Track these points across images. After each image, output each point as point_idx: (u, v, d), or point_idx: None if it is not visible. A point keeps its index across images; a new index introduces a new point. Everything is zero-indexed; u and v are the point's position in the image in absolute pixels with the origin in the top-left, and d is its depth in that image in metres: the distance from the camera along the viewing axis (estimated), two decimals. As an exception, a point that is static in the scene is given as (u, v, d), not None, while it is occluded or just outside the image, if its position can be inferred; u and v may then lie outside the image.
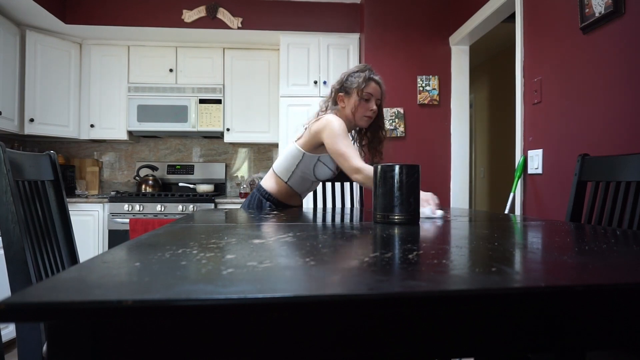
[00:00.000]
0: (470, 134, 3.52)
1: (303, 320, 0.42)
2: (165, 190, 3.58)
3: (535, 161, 2.03)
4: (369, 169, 1.44)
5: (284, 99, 3.26)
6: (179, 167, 3.68)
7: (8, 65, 2.91)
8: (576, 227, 1.01)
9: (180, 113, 3.36)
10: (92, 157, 3.71)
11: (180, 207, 3.09)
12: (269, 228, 0.96)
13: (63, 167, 3.33)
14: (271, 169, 1.77)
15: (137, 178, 3.51)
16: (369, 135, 1.77)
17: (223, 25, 3.21)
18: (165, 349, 0.41)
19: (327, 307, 0.40)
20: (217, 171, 3.70)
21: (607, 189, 1.27)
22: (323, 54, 3.29)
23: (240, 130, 3.47)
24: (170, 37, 3.36)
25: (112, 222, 3.04)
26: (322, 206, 2.20)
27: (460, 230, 0.93)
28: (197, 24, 3.20)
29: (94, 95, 3.39)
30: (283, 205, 1.73)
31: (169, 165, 3.67)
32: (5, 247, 0.92)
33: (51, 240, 1.12)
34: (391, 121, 3.05)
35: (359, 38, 3.31)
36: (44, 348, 0.89)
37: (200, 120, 3.38)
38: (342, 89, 1.67)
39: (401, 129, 3.06)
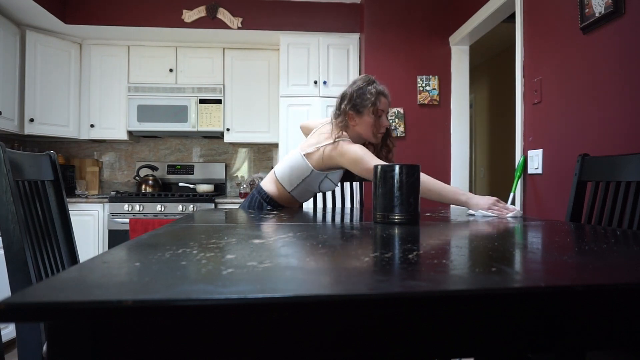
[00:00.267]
0: (470, 134, 3.52)
1: (303, 320, 0.42)
2: (165, 190, 3.58)
3: (535, 161, 2.03)
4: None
5: (284, 99, 3.26)
6: (179, 167, 3.68)
7: (8, 65, 2.91)
8: (576, 227, 1.01)
9: (180, 113, 3.36)
10: (92, 157, 3.71)
11: (180, 207, 3.09)
12: (269, 228, 0.96)
13: (63, 167, 3.33)
14: (273, 173, 1.71)
15: (137, 178, 3.51)
16: (378, 145, 1.72)
17: (223, 25, 3.21)
18: (165, 349, 0.41)
19: (327, 307, 0.40)
20: (217, 171, 3.70)
21: (607, 189, 1.27)
22: (323, 54, 3.29)
23: (240, 130, 3.47)
24: (170, 37, 3.36)
25: (112, 222, 3.04)
26: (322, 206, 2.20)
27: (460, 230, 0.93)
28: (197, 24, 3.20)
29: (94, 95, 3.39)
30: (282, 208, 1.73)
31: (169, 165, 3.67)
32: (5, 247, 0.92)
33: (51, 240, 1.12)
34: (391, 121, 3.05)
35: (359, 38, 3.31)
36: (44, 348, 0.89)
37: (200, 120, 3.38)
38: (353, 107, 1.59)
39: (401, 129, 3.06)
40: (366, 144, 1.70)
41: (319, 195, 2.77)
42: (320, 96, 3.25)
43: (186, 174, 3.67)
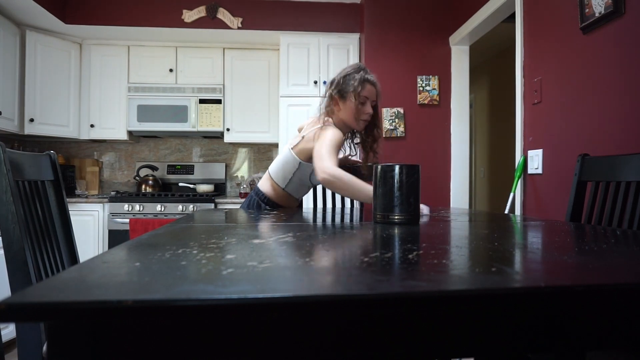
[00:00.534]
0: (470, 134, 3.53)
1: (303, 320, 0.42)
2: (165, 190, 3.58)
3: (535, 161, 2.03)
4: (340, 174, 1.41)
5: (284, 99, 3.26)
6: (179, 167, 3.68)
7: (8, 65, 2.91)
8: (576, 227, 1.01)
9: (180, 113, 3.36)
10: (92, 157, 3.71)
11: (180, 207, 3.09)
12: (269, 228, 0.96)
13: (63, 167, 3.33)
14: (267, 172, 1.73)
15: (137, 178, 3.51)
16: (363, 134, 1.73)
17: (223, 25, 3.21)
18: (165, 349, 0.41)
19: (327, 307, 0.40)
20: (217, 171, 3.70)
21: (607, 189, 1.27)
22: (323, 54, 3.29)
23: (240, 130, 3.47)
24: (170, 37, 3.36)
25: (112, 222, 3.04)
26: (322, 206, 2.20)
27: (460, 230, 0.93)
28: (197, 24, 3.20)
29: (94, 95, 3.39)
30: (281, 208, 1.73)
31: (169, 165, 3.67)
32: (5, 247, 0.92)
33: (51, 240, 1.12)
34: (391, 121, 3.05)
35: (359, 38, 3.31)
36: (44, 348, 0.89)
37: (200, 120, 3.38)
38: (338, 92, 1.63)
39: (401, 129, 3.06)
40: (355, 132, 1.75)
41: (319, 195, 2.78)
42: (320, 96, 3.24)
43: (186, 174, 3.67)
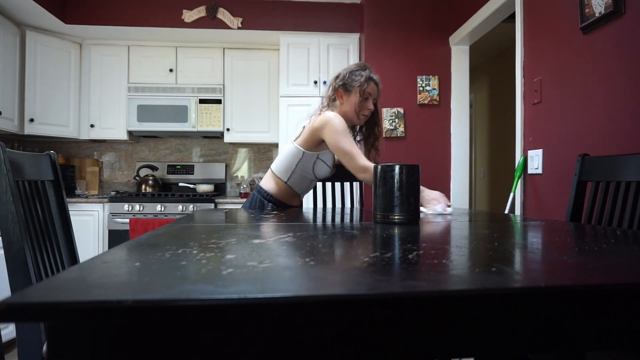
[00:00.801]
0: (470, 134, 3.53)
1: (303, 320, 0.42)
2: (165, 190, 3.58)
3: (535, 161, 2.03)
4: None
5: (284, 99, 3.26)
6: (179, 167, 3.68)
7: (8, 65, 2.91)
8: (576, 227, 1.01)
9: (180, 113, 3.36)
10: (92, 157, 3.71)
11: (180, 207, 3.09)
12: (269, 228, 0.95)
13: (63, 167, 3.33)
14: (269, 170, 1.77)
15: (137, 178, 3.51)
16: (365, 132, 1.81)
17: (223, 25, 3.21)
18: (165, 349, 0.41)
19: (327, 307, 0.40)
20: (217, 171, 3.70)
21: (607, 189, 1.27)
22: (323, 54, 3.29)
23: (240, 130, 3.47)
24: (170, 37, 3.36)
25: (112, 222, 3.04)
26: (322, 206, 2.20)
27: (460, 230, 0.93)
28: (197, 24, 3.20)
29: (94, 95, 3.39)
30: (284, 206, 1.74)
31: (169, 165, 3.67)
32: (5, 247, 0.92)
33: (51, 240, 1.12)
34: (391, 121, 3.05)
35: (359, 38, 3.31)
36: (44, 348, 0.89)
37: (200, 120, 3.38)
38: (343, 85, 1.69)
39: (401, 129, 3.06)
40: (358, 130, 1.82)
41: (319, 195, 2.78)
42: (320, 96, 3.25)
43: (186, 174, 3.67)
